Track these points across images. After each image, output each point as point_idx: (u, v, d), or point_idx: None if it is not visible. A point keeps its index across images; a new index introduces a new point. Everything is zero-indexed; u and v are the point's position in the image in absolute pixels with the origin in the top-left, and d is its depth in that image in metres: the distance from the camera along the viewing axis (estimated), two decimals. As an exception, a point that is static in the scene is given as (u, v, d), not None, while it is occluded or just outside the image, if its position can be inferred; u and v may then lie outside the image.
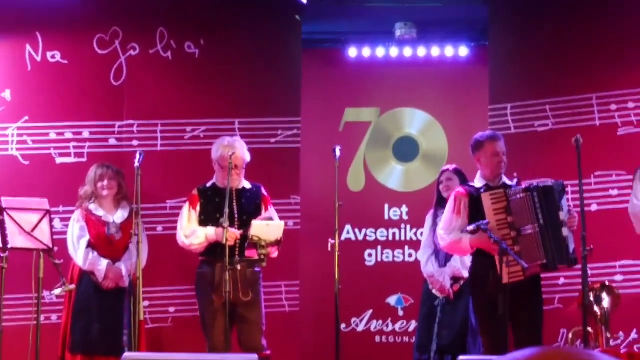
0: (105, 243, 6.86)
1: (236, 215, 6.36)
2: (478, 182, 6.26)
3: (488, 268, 5.99)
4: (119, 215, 6.93)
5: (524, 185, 6.15)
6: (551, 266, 6.08)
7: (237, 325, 6.42)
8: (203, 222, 6.50)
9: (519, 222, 6.02)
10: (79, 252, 6.81)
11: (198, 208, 6.55)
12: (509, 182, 6.24)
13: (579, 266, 6.13)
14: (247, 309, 6.40)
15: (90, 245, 6.82)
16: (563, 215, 6.04)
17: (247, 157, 6.57)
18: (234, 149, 6.48)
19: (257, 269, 6.46)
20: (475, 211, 6.09)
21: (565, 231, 6.03)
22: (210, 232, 6.43)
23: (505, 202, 6.03)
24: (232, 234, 6.26)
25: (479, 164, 6.27)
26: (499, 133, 6.56)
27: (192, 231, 6.48)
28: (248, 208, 6.49)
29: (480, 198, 6.06)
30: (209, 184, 6.63)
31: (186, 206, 6.64)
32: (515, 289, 5.89)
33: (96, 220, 6.89)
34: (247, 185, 6.59)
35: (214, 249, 6.39)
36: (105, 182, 6.92)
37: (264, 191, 6.62)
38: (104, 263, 6.78)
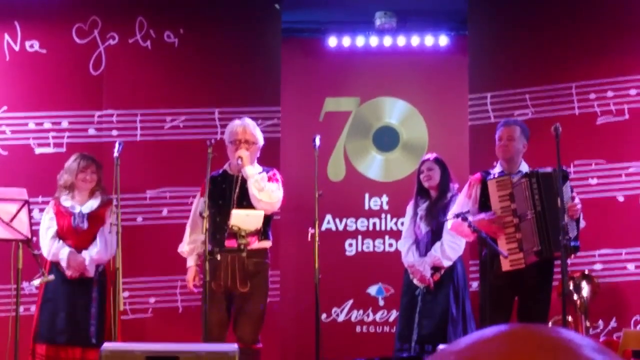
0: (72, 234, 6.79)
1: (235, 201, 6.24)
2: (496, 169, 6.31)
3: (492, 256, 6.04)
4: (88, 206, 6.85)
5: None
6: (546, 253, 6.04)
7: (233, 315, 6.36)
8: (208, 207, 6.25)
9: (520, 208, 6.04)
10: (43, 242, 6.77)
11: (206, 194, 6.42)
12: (525, 170, 6.24)
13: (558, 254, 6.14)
14: (244, 300, 6.29)
15: (58, 235, 6.78)
16: (563, 202, 6.01)
17: (259, 136, 6.39)
18: (245, 125, 6.37)
19: (266, 261, 6.35)
20: (484, 198, 6.14)
21: (565, 218, 5.94)
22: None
23: (510, 189, 6.06)
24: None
25: None
26: (511, 119, 6.70)
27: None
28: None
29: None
30: (220, 170, 6.42)
31: (197, 196, 6.53)
32: (523, 276, 5.97)
33: (64, 211, 6.83)
34: (258, 169, 6.40)
35: (212, 236, 6.18)
36: (88, 176, 6.85)
37: (271, 173, 6.40)
38: (64, 252, 6.69)
